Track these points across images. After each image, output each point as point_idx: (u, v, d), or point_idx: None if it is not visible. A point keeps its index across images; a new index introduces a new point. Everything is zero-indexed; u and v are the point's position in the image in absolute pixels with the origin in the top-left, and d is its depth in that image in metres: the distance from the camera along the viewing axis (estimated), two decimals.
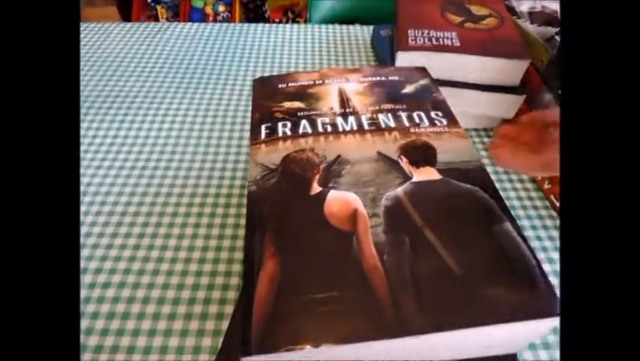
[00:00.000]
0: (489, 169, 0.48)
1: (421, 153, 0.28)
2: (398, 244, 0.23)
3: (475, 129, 0.54)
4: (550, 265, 0.39)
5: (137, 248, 0.38)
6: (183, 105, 0.55)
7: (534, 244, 0.41)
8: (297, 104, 0.32)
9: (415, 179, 0.26)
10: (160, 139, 0.50)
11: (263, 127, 0.31)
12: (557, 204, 0.45)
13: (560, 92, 0.46)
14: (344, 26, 0.74)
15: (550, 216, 0.44)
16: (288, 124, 0.31)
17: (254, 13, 1.84)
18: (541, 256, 0.40)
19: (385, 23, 0.70)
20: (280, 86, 0.35)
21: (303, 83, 0.35)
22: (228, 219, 0.41)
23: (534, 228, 0.43)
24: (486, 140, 0.52)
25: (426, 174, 0.27)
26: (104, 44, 0.67)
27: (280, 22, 1.86)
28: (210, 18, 1.86)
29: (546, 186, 0.46)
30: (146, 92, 0.58)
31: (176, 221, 0.41)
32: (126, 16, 1.85)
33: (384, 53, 0.61)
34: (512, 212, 0.44)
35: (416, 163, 0.27)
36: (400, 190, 0.25)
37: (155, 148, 0.49)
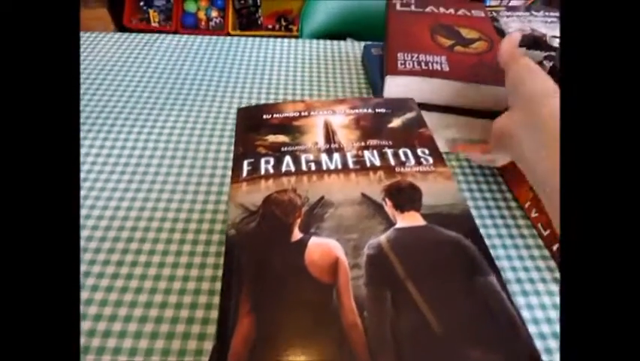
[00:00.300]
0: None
1: (406, 197, 0.27)
2: (379, 299, 0.22)
3: None
4: (538, 298, 0.39)
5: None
6: (169, 122, 0.54)
7: (521, 275, 0.41)
8: (281, 138, 0.32)
9: (398, 225, 0.26)
10: (144, 156, 0.49)
11: (245, 163, 0.30)
12: (544, 233, 0.44)
13: None
14: (335, 42, 0.74)
15: (537, 245, 0.44)
16: (271, 160, 0.30)
17: (247, 20, 1.84)
18: (535, 300, 0.39)
19: (377, 40, 0.70)
20: (265, 117, 0.34)
21: (288, 115, 0.34)
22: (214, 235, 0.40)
23: (521, 258, 0.42)
24: (474, 163, 0.52)
25: (410, 219, 0.26)
26: (90, 55, 0.66)
27: (273, 28, 1.85)
28: (203, 23, 1.85)
29: (533, 214, 0.45)
30: (131, 107, 0.56)
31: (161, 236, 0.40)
32: (117, 19, 1.83)
33: (374, 72, 0.60)
34: (499, 241, 0.44)
35: (400, 207, 0.27)
36: (383, 238, 0.25)
37: (137, 168, 0.48)
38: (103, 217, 0.42)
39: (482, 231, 0.44)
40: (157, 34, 0.73)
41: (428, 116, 0.48)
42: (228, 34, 1.84)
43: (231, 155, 0.50)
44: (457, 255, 0.24)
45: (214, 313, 0.34)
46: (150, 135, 0.52)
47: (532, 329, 0.37)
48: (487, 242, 0.43)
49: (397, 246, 0.24)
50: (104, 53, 0.67)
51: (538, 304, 0.39)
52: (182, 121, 0.55)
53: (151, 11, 1.87)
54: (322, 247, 0.24)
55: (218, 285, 0.36)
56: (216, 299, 0.36)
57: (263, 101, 0.59)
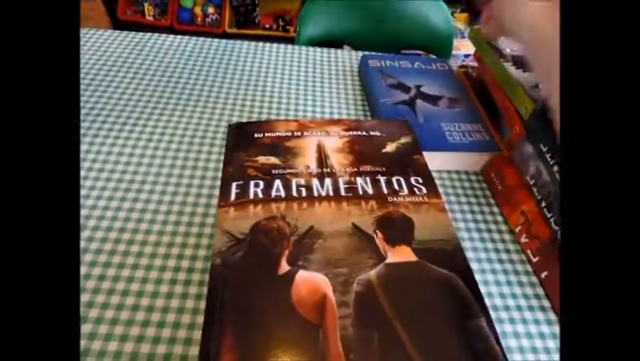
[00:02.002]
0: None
1: (398, 229, 0.27)
2: (366, 341, 0.21)
3: (457, 171, 0.53)
4: (524, 326, 0.38)
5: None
6: (159, 126, 0.53)
7: (509, 302, 0.40)
8: (272, 160, 0.31)
9: (389, 260, 0.25)
10: (133, 160, 0.48)
11: (234, 185, 0.29)
12: (533, 259, 0.44)
13: (542, 147, 0.45)
14: (332, 50, 0.73)
15: (525, 272, 0.43)
16: (261, 184, 0.29)
17: (244, 18, 1.82)
18: (521, 328, 0.39)
19: (375, 47, 0.69)
20: (256, 135, 0.33)
21: (280, 134, 0.33)
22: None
23: (509, 284, 0.42)
24: (466, 183, 0.52)
25: (401, 254, 0.25)
26: (82, 52, 0.64)
27: (270, 28, 1.83)
28: (199, 19, 1.82)
29: (523, 240, 0.45)
30: (119, 110, 0.55)
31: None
32: (111, 11, 1.80)
33: (371, 84, 0.59)
34: (488, 265, 0.43)
35: (392, 241, 0.26)
36: (372, 274, 0.24)
37: (127, 168, 0.46)
38: (90, 217, 0.41)
39: (471, 254, 0.43)
40: (150, 34, 0.71)
41: None
42: (224, 32, 1.82)
43: (222, 158, 0.48)
44: (447, 295, 0.24)
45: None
46: (139, 140, 0.51)
47: (517, 357, 0.36)
48: (476, 266, 0.43)
49: (387, 283, 0.24)
50: (94, 51, 0.65)
51: (524, 332, 0.38)
52: (171, 127, 0.53)
53: (146, 4, 1.83)
54: (310, 283, 0.23)
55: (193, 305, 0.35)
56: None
57: (256, 108, 0.58)
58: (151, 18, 1.84)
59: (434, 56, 1.03)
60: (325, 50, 0.73)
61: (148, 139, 0.52)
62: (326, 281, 0.24)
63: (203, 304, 0.35)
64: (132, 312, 0.35)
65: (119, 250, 0.39)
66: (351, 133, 0.34)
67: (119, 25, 1.84)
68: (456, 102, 0.57)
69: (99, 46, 0.66)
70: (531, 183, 0.45)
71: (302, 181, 0.29)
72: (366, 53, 0.67)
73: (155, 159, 0.49)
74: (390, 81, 0.60)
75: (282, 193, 0.28)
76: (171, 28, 1.84)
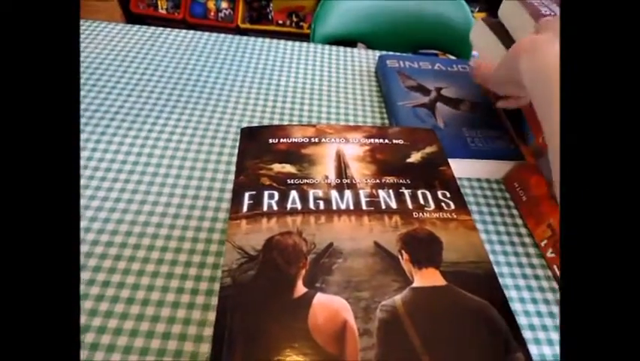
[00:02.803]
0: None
1: (425, 250, 0.24)
2: None
3: (478, 179, 0.51)
4: (551, 348, 0.36)
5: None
6: (169, 124, 0.51)
7: (534, 321, 0.38)
8: (287, 168, 0.29)
9: (415, 284, 0.23)
10: (141, 160, 0.46)
11: (246, 196, 0.27)
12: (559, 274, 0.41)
13: None
14: (348, 49, 0.71)
15: (551, 288, 0.41)
16: (276, 195, 0.27)
17: (257, 13, 1.80)
18: (541, 335, 0.37)
19: (390, 47, 0.67)
20: (271, 141, 0.31)
21: (296, 140, 0.31)
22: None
23: (534, 301, 0.40)
24: (488, 192, 0.49)
25: (429, 277, 0.23)
26: (89, 47, 0.63)
27: (284, 24, 1.81)
28: (212, 13, 1.81)
29: (549, 254, 0.42)
30: (129, 107, 0.53)
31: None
32: (124, 4, 1.79)
33: (390, 86, 0.57)
34: (511, 281, 0.41)
35: (418, 263, 0.24)
36: (398, 299, 0.22)
37: (136, 167, 0.45)
38: (96, 220, 0.39)
39: (495, 269, 0.41)
40: (162, 29, 0.69)
41: None
42: (237, 27, 1.80)
43: (234, 159, 0.46)
44: (481, 327, 0.21)
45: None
46: (148, 138, 0.49)
47: None
48: (500, 281, 0.40)
49: (414, 310, 0.22)
50: (104, 45, 0.63)
51: (551, 354, 0.36)
52: (182, 125, 0.51)
53: None
54: (329, 308, 0.21)
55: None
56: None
57: (268, 109, 0.56)
58: (164, 11, 1.83)
59: (452, 57, 1.00)
60: (342, 48, 0.70)
61: (156, 138, 0.50)
62: (346, 306, 0.21)
63: (210, 316, 0.33)
64: (136, 322, 0.33)
65: (125, 254, 0.37)
66: (372, 141, 0.31)
67: (131, 18, 1.83)
68: (478, 107, 0.54)
69: (110, 40, 0.65)
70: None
71: (320, 193, 0.27)
72: (384, 52, 0.64)
73: (163, 159, 0.47)
74: (410, 83, 0.58)
75: (299, 206, 0.26)
76: (184, 21, 1.82)
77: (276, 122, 0.54)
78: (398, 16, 0.95)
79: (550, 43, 0.33)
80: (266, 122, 0.54)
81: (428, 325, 0.21)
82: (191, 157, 0.48)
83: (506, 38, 0.51)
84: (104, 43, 0.64)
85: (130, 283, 0.35)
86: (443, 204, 0.27)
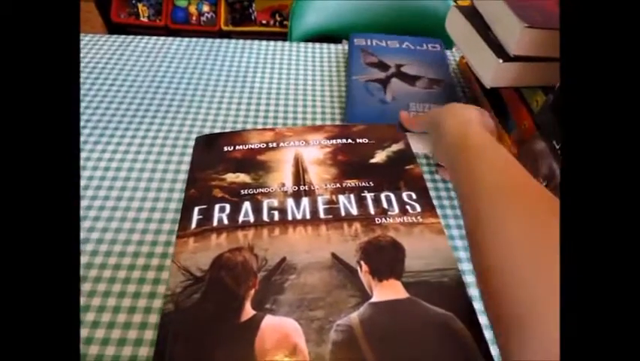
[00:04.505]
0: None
1: (386, 260, 0.22)
2: None
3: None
4: None
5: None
6: (148, 138, 0.49)
7: None
8: (241, 178, 0.27)
9: (375, 298, 0.21)
10: (124, 165, 0.44)
11: (196, 210, 0.25)
12: None
13: (555, 143, 0.41)
14: (325, 45, 0.68)
15: None
16: (227, 208, 0.25)
17: (240, 15, 1.77)
18: None
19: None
20: (225, 148, 0.29)
21: (253, 147, 0.29)
22: None
23: None
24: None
25: (389, 290, 0.21)
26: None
27: (267, 24, 1.78)
28: (194, 18, 1.78)
29: None
30: (111, 114, 0.51)
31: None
32: (105, 14, 1.77)
33: (351, 61, 0.58)
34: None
35: (379, 274, 0.22)
36: (354, 317, 0.20)
37: (118, 174, 0.43)
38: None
39: (470, 277, 0.38)
40: (139, 37, 0.67)
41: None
42: (220, 30, 1.77)
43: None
44: (445, 342, 0.19)
45: None
46: (131, 143, 0.47)
47: None
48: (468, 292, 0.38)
49: (372, 329, 0.20)
50: (84, 53, 0.61)
51: None
52: (164, 130, 0.49)
53: (140, 5, 1.79)
54: (278, 332, 0.19)
55: None
56: None
57: (242, 111, 0.54)
58: (145, 19, 1.81)
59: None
60: (317, 45, 0.68)
61: (140, 141, 0.48)
62: (297, 329, 0.20)
63: None
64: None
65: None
66: (334, 142, 0.30)
67: (113, 28, 1.81)
68: (436, 83, 0.54)
69: (88, 51, 0.63)
70: (543, 184, 0.41)
71: (275, 202, 0.25)
72: (355, 34, 0.64)
73: (144, 173, 0.45)
74: (370, 59, 0.58)
75: (251, 218, 0.24)
76: (166, 28, 1.80)
77: (249, 126, 0.52)
78: (379, 8, 0.93)
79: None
80: (239, 126, 0.52)
81: (387, 344, 0.19)
82: (152, 167, 0.46)
83: (481, 25, 0.49)
84: (83, 54, 0.62)
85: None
86: (408, 207, 0.25)
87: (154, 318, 0.33)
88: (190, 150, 0.47)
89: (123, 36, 0.68)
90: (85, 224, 0.39)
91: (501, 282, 0.18)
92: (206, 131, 0.51)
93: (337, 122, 0.50)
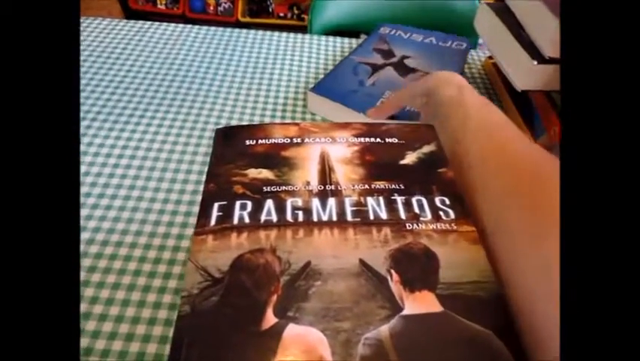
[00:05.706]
0: None
1: (419, 269, 0.21)
2: None
3: None
4: None
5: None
6: (167, 119, 0.48)
7: None
8: (264, 174, 0.25)
9: (406, 311, 0.19)
10: (139, 153, 0.43)
11: (215, 206, 0.24)
12: None
13: None
14: (346, 39, 0.67)
15: None
16: (249, 205, 0.24)
17: (257, 6, 1.75)
18: None
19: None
20: (248, 142, 0.27)
21: (276, 141, 0.27)
22: None
23: None
24: None
25: (422, 303, 0.20)
26: (85, 43, 0.60)
27: (285, 17, 1.77)
28: (211, 8, 1.77)
29: None
30: (126, 101, 0.50)
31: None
32: (123, 0, 1.76)
33: (363, 45, 0.58)
34: None
35: (410, 285, 0.20)
36: (384, 331, 0.19)
37: (132, 162, 0.42)
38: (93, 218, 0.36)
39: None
40: (157, 23, 0.66)
41: None
42: (237, 21, 1.76)
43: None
44: (482, 359, 0.18)
45: None
46: (146, 132, 0.46)
47: None
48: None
49: (403, 344, 0.18)
50: (99, 41, 0.60)
51: None
52: (180, 120, 0.48)
53: None
54: (302, 343, 0.18)
55: None
56: None
57: (259, 104, 0.52)
58: (163, 7, 1.80)
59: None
60: (339, 39, 0.66)
61: (156, 129, 0.47)
62: (322, 340, 0.18)
63: None
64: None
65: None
66: (362, 140, 0.28)
67: (130, 14, 1.81)
68: None
69: (105, 35, 0.62)
70: None
71: (299, 202, 0.24)
72: (386, 23, 0.63)
73: (158, 162, 0.44)
74: (381, 46, 0.57)
75: (274, 218, 0.23)
76: (183, 16, 1.79)
77: (267, 119, 0.51)
78: (402, 4, 0.91)
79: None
80: (257, 119, 0.51)
81: (420, 359, 0.18)
82: (167, 157, 0.45)
83: (513, 24, 0.47)
84: (99, 39, 0.61)
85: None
86: (441, 212, 0.24)
87: (163, 314, 0.32)
88: (205, 142, 0.46)
89: (141, 22, 0.66)
90: (96, 213, 0.38)
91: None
92: (223, 122, 0.50)
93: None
